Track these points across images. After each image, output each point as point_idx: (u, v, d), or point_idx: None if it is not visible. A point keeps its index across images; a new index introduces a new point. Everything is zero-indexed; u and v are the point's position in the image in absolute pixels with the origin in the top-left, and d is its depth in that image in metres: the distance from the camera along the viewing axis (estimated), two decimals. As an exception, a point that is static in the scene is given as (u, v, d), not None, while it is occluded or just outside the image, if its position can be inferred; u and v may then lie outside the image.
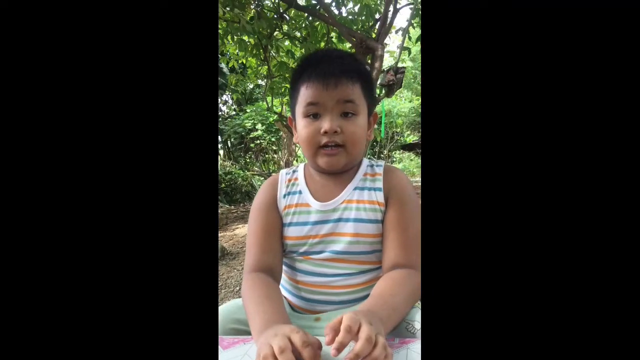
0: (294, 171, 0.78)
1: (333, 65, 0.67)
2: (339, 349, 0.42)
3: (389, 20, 2.61)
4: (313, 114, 0.67)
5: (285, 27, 2.92)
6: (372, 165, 0.76)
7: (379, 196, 0.71)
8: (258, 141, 6.09)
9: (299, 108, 0.69)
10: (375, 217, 0.70)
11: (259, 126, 6.02)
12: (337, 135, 0.66)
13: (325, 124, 0.65)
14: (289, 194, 0.74)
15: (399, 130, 8.02)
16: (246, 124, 6.12)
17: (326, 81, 0.65)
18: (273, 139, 6.05)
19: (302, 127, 0.69)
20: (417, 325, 0.59)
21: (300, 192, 0.74)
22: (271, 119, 5.79)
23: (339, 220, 0.70)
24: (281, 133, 5.83)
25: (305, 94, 0.67)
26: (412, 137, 8.11)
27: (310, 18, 2.76)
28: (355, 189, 0.72)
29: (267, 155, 6.13)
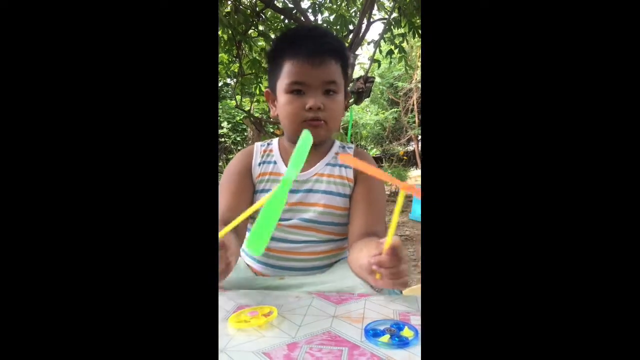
0: (268, 144, 0.82)
1: (318, 44, 0.71)
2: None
3: (362, 32, 2.71)
4: (297, 91, 0.71)
5: (260, 27, 2.94)
6: (343, 147, 0.82)
7: (349, 173, 0.76)
8: (223, 139, 6.01)
9: (282, 83, 0.72)
10: (344, 192, 0.75)
11: (224, 124, 5.95)
12: (320, 111, 0.71)
13: (310, 101, 0.70)
14: (263, 162, 0.79)
15: (363, 143, 8.21)
16: (212, 121, 6.01)
17: (312, 60, 0.69)
18: (238, 139, 6.00)
19: (285, 102, 0.72)
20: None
21: (275, 162, 0.78)
22: (238, 118, 5.75)
23: (309, 191, 0.75)
24: (247, 133, 5.80)
25: (290, 70, 0.70)
26: (375, 151, 8.32)
27: (286, 20, 2.81)
28: (327, 164, 0.78)
29: (230, 155, 6.06)
